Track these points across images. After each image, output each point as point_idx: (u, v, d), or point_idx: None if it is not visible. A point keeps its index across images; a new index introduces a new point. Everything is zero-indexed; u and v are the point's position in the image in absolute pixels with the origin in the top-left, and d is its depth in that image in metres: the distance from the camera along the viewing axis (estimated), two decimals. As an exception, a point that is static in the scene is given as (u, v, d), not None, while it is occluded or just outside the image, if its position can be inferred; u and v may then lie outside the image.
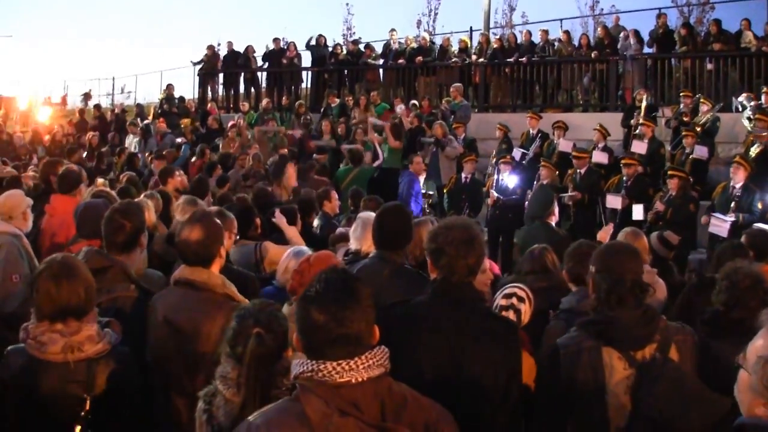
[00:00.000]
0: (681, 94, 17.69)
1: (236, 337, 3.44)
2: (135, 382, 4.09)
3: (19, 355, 3.90)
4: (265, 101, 22.92)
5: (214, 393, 3.43)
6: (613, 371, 3.86)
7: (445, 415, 2.88)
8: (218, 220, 4.89)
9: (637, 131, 16.05)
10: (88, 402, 3.77)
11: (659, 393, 3.65)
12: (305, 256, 4.90)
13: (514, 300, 5.33)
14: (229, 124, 20.54)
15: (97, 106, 29.58)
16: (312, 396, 2.65)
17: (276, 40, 25.92)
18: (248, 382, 3.30)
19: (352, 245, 6.49)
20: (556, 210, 9.72)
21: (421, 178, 14.52)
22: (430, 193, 15.72)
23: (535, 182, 14.51)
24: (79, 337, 3.85)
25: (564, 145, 16.26)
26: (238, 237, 7.08)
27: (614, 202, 13.30)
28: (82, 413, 3.76)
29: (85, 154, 19.45)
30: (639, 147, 15.30)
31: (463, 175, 15.42)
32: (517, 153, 17.02)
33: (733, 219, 11.70)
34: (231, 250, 7.30)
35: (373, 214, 6.57)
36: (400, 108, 18.48)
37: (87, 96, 38.64)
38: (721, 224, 11.76)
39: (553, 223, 9.62)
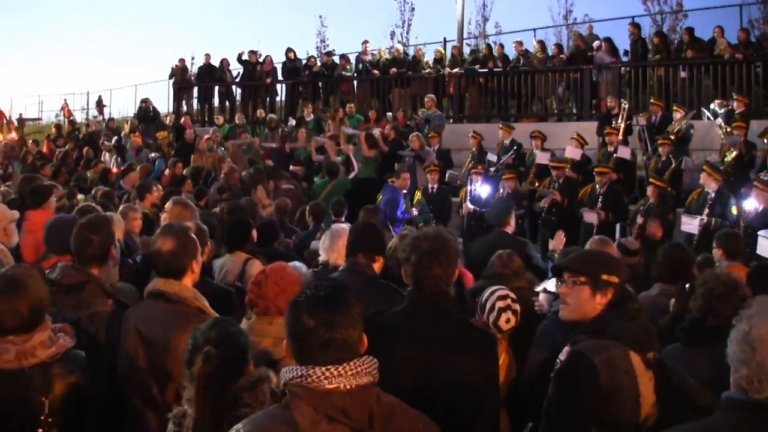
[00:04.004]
0: (651, 101, 17.84)
1: (191, 357, 3.43)
2: (95, 383, 4.03)
3: None
4: (237, 116, 22.99)
5: (184, 414, 3.40)
6: (641, 374, 3.86)
7: (431, 426, 2.93)
8: (194, 235, 4.85)
9: (619, 137, 16.22)
10: (46, 404, 3.73)
11: (694, 383, 3.97)
12: (261, 268, 4.88)
13: (509, 301, 5.42)
14: (204, 138, 20.47)
15: (72, 122, 29.39)
16: (301, 402, 2.69)
17: (252, 53, 25.87)
18: (198, 401, 3.30)
19: (321, 256, 6.54)
20: (513, 221, 9.68)
21: (403, 194, 14.47)
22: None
23: (500, 191, 14.65)
24: (31, 343, 3.80)
25: (541, 157, 16.24)
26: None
27: (590, 217, 13.26)
28: (42, 417, 3.72)
29: (64, 170, 19.46)
30: (624, 152, 15.48)
31: (429, 186, 15.49)
32: (492, 157, 17.17)
33: (702, 218, 11.86)
34: (222, 261, 7.30)
35: (342, 225, 6.62)
36: (376, 131, 18.50)
37: (20, 120, 38.68)
38: (690, 222, 11.93)
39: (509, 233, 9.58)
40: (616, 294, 4.01)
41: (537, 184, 15.44)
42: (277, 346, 4.20)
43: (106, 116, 34.28)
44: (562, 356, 4.00)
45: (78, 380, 3.90)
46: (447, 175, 17.13)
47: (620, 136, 16.47)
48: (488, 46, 24.43)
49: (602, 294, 4.00)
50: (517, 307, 5.43)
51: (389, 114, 21.09)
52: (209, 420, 3.23)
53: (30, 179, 10.09)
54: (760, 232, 9.84)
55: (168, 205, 8.47)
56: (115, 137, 22.94)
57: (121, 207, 9.27)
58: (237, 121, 22.46)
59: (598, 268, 4.04)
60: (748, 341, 2.68)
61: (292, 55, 25.57)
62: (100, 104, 37.92)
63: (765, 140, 14.47)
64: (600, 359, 3.77)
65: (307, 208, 11.07)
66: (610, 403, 3.78)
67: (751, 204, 11.48)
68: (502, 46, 23.25)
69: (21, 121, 39.30)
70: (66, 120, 36.09)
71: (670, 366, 4.00)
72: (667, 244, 7.53)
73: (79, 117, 37.57)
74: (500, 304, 5.38)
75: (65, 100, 41.86)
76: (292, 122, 22.29)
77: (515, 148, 17.32)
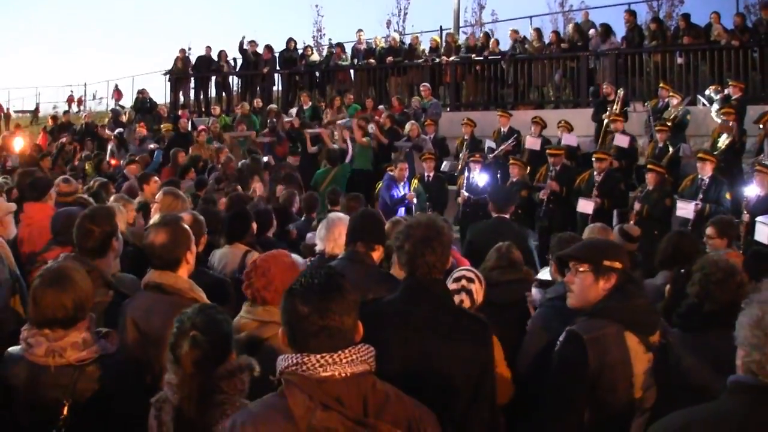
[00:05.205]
0: (660, 86, 17.74)
1: (176, 341, 3.45)
2: (123, 391, 3.97)
3: (15, 355, 3.91)
4: (240, 105, 22.81)
5: (165, 399, 3.43)
6: (637, 354, 3.97)
7: (428, 415, 2.92)
8: (186, 226, 4.88)
9: (610, 126, 16.17)
10: (66, 407, 3.73)
11: (694, 364, 4.03)
12: (252, 258, 4.88)
13: (463, 282, 5.39)
14: (200, 128, 20.42)
15: (67, 112, 29.37)
16: (296, 390, 2.69)
17: (252, 43, 25.74)
18: (183, 386, 3.33)
19: (317, 246, 6.51)
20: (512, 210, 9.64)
21: (401, 185, 14.43)
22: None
23: (498, 177, 14.71)
24: (62, 343, 3.82)
25: (531, 142, 16.38)
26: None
27: (586, 206, 13.20)
28: (61, 417, 3.72)
29: (61, 161, 19.47)
30: (622, 140, 15.40)
31: (425, 174, 15.55)
32: (491, 144, 17.23)
33: (697, 203, 11.92)
34: (222, 252, 7.28)
35: (338, 215, 6.59)
36: (371, 128, 18.51)
37: (35, 112, 38.53)
38: (685, 207, 12.04)
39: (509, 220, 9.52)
40: (619, 279, 4.14)
41: (528, 169, 15.41)
42: (260, 328, 4.31)
43: (124, 104, 34.07)
44: (561, 338, 4.11)
45: (105, 389, 3.87)
46: (448, 166, 17.14)
47: (615, 125, 16.29)
48: (486, 34, 24.42)
49: (605, 280, 4.15)
50: (472, 287, 5.38)
51: (381, 107, 21.04)
52: (196, 404, 3.26)
53: (28, 173, 10.09)
54: (758, 218, 9.85)
55: (158, 195, 8.47)
56: (119, 129, 22.87)
57: (112, 198, 9.24)
58: (240, 111, 22.28)
59: (600, 255, 4.19)
60: (760, 326, 2.69)
61: (292, 44, 25.57)
62: (117, 92, 37.74)
63: (761, 126, 14.46)
64: (590, 337, 3.93)
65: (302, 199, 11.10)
66: (601, 381, 3.90)
67: (753, 190, 11.47)
68: (497, 41, 23.08)
69: (36, 112, 39.14)
70: (69, 110, 36.12)
71: (682, 353, 4.05)
72: (672, 232, 7.54)
73: (76, 108, 37.51)
74: (453, 286, 5.33)
75: (72, 91, 41.89)
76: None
77: (515, 135, 17.31)
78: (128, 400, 3.99)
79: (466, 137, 17.78)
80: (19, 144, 22.73)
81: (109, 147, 21.23)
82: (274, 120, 20.55)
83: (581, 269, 4.21)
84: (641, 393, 3.95)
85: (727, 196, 11.98)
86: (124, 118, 25.05)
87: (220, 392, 3.33)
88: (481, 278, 5.55)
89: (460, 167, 16.71)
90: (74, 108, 39.31)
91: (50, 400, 3.76)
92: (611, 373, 3.90)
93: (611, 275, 4.14)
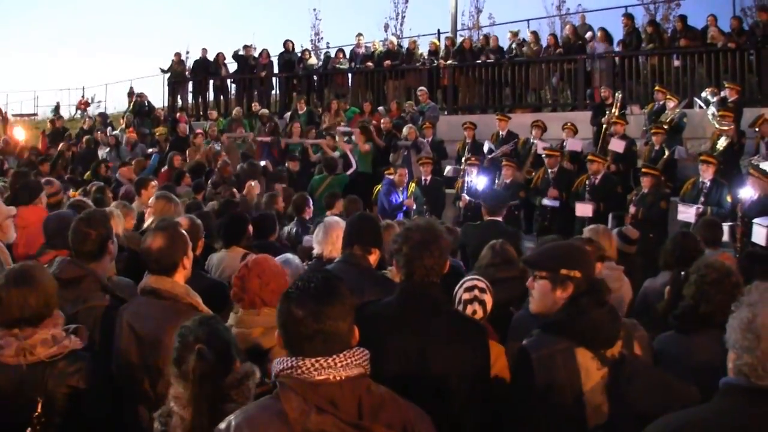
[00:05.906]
0: (656, 89, 17.76)
1: (180, 355, 3.43)
2: (94, 386, 4.01)
3: None
4: (235, 110, 22.86)
5: (170, 413, 3.39)
6: (588, 372, 3.82)
7: (423, 417, 2.93)
8: (183, 231, 4.88)
9: (610, 129, 16.12)
10: (39, 404, 3.76)
11: (644, 388, 3.74)
12: (243, 262, 4.86)
13: (476, 292, 5.32)
14: (197, 132, 20.41)
15: (60, 118, 29.31)
16: (291, 393, 2.70)
17: (247, 47, 25.74)
18: (195, 400, 3.30)
19: (315, 249, 6.53)
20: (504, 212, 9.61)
21: (400, 190, 14.43)
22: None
23: (496, 181, 14.73)
24: (32, 340, 3.86)
25: (542, 146, 16.21)
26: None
27: (585, 210, 13.23)
28: (35, 415, 3.75)
29: (60, 165, 19.47)
30: (617, 145, 15.34)
31: (423, 177, 15.56)
32: (487, 145, 17.28)
33: (698, 206, 11.96)
34: (220, 256, 7.28)
35: (335, 218, 6.60)
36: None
37: (56, 110, 38.26)
38: (687, 210, 12.06)
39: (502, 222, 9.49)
40: (577, 288, 4.01)
41: (533, 173, 15.43)
42: (266, 335, 4.27)
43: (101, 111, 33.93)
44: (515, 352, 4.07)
45: (77, 384, 3.91)
46: (451, 170, 17.12)
47: (616, 128, 16.22)
48: (485, 37, 24.43)
49: (562, 288, 4.02)
50: (485, 297, 5.31)
51: (381, 108, 21.04)
52: (208, 417, 3.23)
53: (21, 175, 10.06)
54: (755, 220, 9.87)
55: (152, 200, 8.49)
56: (113, 130, 22.85)
57: (113, 204, 9.23)
58: (234, 115, 22.33)
59: (558, 263, 4.07)
60: (752, 329, 2.66)
61: (290, 45, 25.51)
62: (131, 95, 37.44)
63: (756, 129, 14.48)
64: (538, 356, 3.80)
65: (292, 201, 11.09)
66: (548, 400, 3.79)
67: (747, 192, 11.46)
68: (496, 38, 23.09)
69: (57, 108, 38.81)
70: (77, 114, 35.99)
71: (643, 373, 3.98)
72: (676, 234, 7.55)
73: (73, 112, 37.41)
74: (465, 296, 5.29)
75: (83, 95, 41.70)
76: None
77: (515, 141, 17.32)
78: (100, 394, 4.05)
79: (468, 140, 17.81)
80: (20, 134, 22.81)
81: (100, 152, 21.19)
82: (274, 123, 20.55)
83: (539, 276, 4.14)
84: (592, 410, 3.81)
85: (728, 198, 12.01)
86: (123, 123, 24.96)
87: (231, 401, 3.30)
88: (491, 288, 5.53)
89: (462, 171, 16.72)
90: (81, 112, 39.13)
91: (25, 399, 3.79)
92: (559, 393, 3.78)
93: (568, 284, 4.01)
